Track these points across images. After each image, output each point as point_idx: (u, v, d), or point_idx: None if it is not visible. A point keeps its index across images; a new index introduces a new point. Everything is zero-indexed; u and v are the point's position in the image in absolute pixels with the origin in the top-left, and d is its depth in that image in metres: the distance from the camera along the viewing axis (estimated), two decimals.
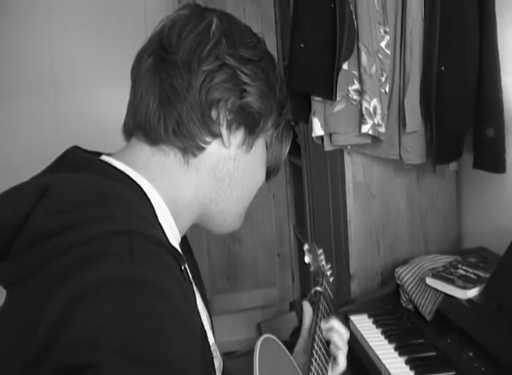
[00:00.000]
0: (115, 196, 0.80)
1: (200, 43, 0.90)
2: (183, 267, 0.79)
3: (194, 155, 0.92)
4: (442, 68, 1.91)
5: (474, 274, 1.72)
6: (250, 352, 0.99)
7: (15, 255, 0.73)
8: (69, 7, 3.80)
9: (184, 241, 1.04)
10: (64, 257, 0.68)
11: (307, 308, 1.25)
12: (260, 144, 0.99)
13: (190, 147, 0.91)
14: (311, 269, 1.44)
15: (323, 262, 1.46)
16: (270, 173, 1.07)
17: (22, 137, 3.77)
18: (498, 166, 1.88)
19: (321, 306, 1.29)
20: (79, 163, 0.88)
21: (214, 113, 0.90)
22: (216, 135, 0.92)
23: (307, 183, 3.04)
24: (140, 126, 0.93)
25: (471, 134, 1.97)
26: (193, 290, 0.90)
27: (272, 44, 3.64)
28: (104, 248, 0.69)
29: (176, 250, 0.79)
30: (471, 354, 1.51)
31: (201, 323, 0.91)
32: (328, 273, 1.45)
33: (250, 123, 0.94)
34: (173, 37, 0.92)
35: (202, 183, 0.94)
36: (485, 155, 1.91)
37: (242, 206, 1.03)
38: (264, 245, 3.75)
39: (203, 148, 0.92)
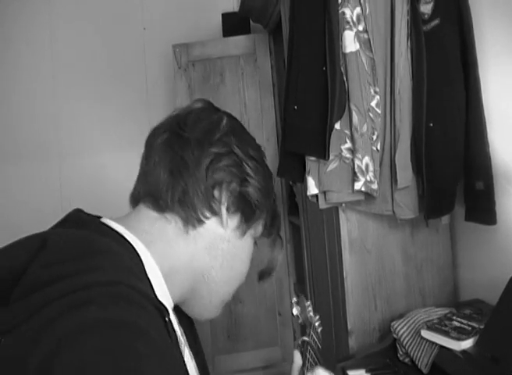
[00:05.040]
0: (106, 250, 0.85)
1: (212, 130, 1.00)
2: (167, 318, 0.83)
3: (194, 227, 0.98)
4: (431, 124, 1.95)
5: (469, 325, 1.72)
6: None
7: (14, 302, 0.76)
8: (73, 74, 3.94)
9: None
10: (54, 304, 0.72)
11: (297, 357, 1.27)
12: (250, 237, 1.07)
13: (191, 218, 0.98)
14: (299, 320, 1.46)
15: (311, 313, 1.46)
16: (264, 273, 1.16)
17: (24, 202, 3.83)
18: (489, 218, 1.91)
19: (308, 355, 1.31)
20: (80, 223, 0.95)
21: (216, 192, 0.98)
22: (215, 212, 0.99)
23: (305, 241, 3.05)
24: (149, 194, 1.00)
25: (462, 188, 2.00)
26: (178, 341, 0.93)
27: (269, 106, 3.73)
28: (92, 296, 0.74)
29: (160, 302, 0.83)
30: None
31: (186, 369, 0.94)
32: (317, 323, 1.46)
33: (246, 211, 1.02)
34: (189, 120, 1.02)
35: (198, 255, 1.00)
36: (476, 207, 1.94)
37: (227, 292, 1.09)
38: (265, 304, 3.74)
39: (202, 222, 0.99)
